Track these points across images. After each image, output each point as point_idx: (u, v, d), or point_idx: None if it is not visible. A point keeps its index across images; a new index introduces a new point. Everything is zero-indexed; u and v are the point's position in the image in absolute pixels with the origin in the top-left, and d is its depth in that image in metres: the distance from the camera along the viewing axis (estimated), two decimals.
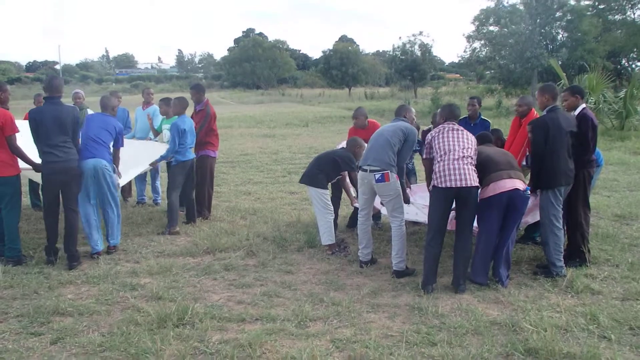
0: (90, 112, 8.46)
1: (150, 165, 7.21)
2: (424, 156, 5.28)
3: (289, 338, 4.06)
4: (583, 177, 5.49)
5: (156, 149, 7.35)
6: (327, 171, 6.20)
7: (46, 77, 6.20)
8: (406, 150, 5.45)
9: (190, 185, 7.21)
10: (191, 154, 7.08)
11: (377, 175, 5.27)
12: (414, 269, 5.40)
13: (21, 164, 5.73)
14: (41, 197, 7.06)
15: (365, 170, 5.39)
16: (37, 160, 5.74)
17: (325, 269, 5.61)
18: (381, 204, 5.84)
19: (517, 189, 4.88)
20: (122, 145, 6.37)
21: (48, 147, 5.59)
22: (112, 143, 6.18)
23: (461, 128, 5.19)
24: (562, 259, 5.27)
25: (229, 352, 3.80)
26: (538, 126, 5.29)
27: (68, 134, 5.67)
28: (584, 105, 5.62)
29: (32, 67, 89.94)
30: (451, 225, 5.27)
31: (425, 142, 5.26)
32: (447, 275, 5.23)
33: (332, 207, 6.23)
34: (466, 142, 5.06)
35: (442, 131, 5.16)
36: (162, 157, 7.07)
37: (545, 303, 4.65)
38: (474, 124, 7.28)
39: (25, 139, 5.79)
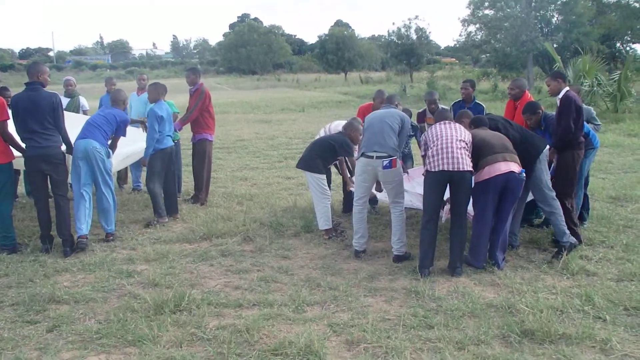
0: (82, 99, 8.40)
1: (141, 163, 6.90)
2: (421, 153, 5.30)
3: (286, 323, 4.06)
4: (572, 158, 5.52)
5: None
6: (324, 156, 6.18)
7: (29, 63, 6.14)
8: (402, 138, 5.45)
9: (170, 175, 6.92)
10: (169, 142, 6.78)
11: (385, 162, 5.21)
12: (410, 253, 5.41)
13: (14, 152, 5.69)
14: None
15: (371, 157, 5.28)
16: None
17: (322, 254, 5.62)
18: (376, 190, 5.82)
19: (512, 172, 4.89)
20: (124, 135, 6.31)
21: (28, 133, 5.53)
22: (111, 130, 6.10)
23: (454, 123, 5.25)
24: None
25: (226, 338, 3.80)
26: (496, 128, 5.39)
27: (47, 120, 5.54)
28: (567, 88, 5.69)
29: (26, 54, 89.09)
30: (445, 215, 5.28)
31: (421, 141, 5.28)
32: (443, 258, 5.24)
33: (329, 192, 6.22)
34: (460, 131, 5.10)
35: (435, 126, 5.25)
36: (147, 150, 6.67)
37: (541, 285, 4.67)
38: (468, 107, 7.26)
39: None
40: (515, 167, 4.93)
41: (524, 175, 5.01)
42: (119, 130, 6.21)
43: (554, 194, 5.33)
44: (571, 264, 5.00)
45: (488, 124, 5.67)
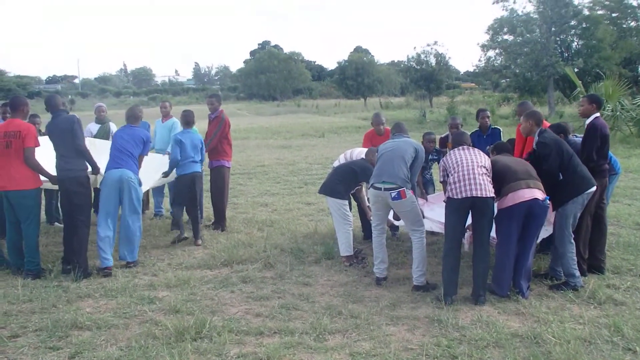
0: (112, 125, 8.55)
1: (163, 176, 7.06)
2: (440, 179, 5.27)
3: (307, 352, 4.02)
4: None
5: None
6: (346, 182, 6.19)
7: (46, 97, 6.40)
8: (415, 168, 5.43)
9: (193, 200, 7.03)
10: (191, 168, 6.95)
11: (393, 194, 5.17)
12: (435, 284, 5.28)
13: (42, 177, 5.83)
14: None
15: (379, 189, 5.27)
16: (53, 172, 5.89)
17: (343, 281, 5.57)
18: (394, 218, 5.80)
19: (536, 199, 4.83)
20: (146, 154, 6.42)
21: (57, 157, 5.89)
22: (139, 152, 6.22)
23: (472, 148, 5.21)
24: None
25: None
26: (551, 148, 5.15)
27: (68, 141, 5.77)
28: (597, 114, 5.59)
29: (52, 80, 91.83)
30: (468, 243, 5.21)
31: (440, 167, 5.25)
32: (466, 286, 5.16)
33: (351, 218, 6.20)
34: (479, 156, 5.09)
35: (453, 151, 5.22)
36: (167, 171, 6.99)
37: (567, 314, 4.57)
38: (486, 135, 7.25)
39: (46, 152, 6.00)
40: (539, 193, 4.86)
41: (548, 202, 4.94)
42: (145, 149, 6.33)
43: (572, 237, 5.17)
44: (598, 293, 4.89)
45: (510, 149, 5.64)
